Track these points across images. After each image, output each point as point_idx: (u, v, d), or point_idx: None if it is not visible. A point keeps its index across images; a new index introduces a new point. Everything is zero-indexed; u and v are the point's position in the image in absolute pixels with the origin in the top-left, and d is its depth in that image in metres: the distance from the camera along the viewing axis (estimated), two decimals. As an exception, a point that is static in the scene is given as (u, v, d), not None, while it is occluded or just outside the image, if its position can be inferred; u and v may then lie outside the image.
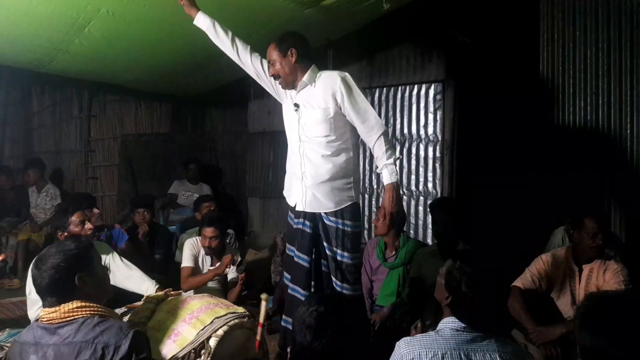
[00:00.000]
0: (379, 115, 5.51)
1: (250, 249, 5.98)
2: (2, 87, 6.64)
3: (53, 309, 1.93)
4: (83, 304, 1.94)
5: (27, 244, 5.35)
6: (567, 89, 4.36)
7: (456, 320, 1.93)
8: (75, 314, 1.92)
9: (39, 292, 1.99)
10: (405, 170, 5.41)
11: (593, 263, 2.99)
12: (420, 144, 5.31)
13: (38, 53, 4.66)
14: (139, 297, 3.16)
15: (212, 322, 2.44)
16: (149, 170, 6.95)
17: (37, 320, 2.01)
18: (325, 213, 2.92)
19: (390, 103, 5.50)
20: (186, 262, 3.90)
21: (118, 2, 3.66)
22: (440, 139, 5.17)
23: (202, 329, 2.40)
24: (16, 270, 5.22)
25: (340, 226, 2.88)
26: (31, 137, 7.34)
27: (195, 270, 3.89)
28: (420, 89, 5.29)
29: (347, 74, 2.90)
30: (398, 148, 5.43)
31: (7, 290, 4.77)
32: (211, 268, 3.87)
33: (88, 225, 3.25)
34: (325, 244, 2.93)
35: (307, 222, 2.99)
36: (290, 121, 3.05)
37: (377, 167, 2.86)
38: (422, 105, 5.29)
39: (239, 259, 3.94)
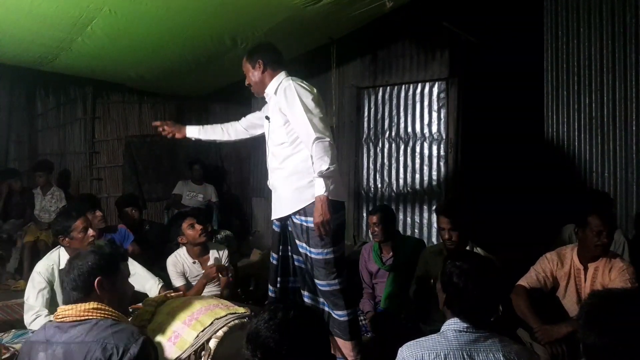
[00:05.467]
0: (383, 113, 5.53)
1: (255, 249, 5.99)
2: (6, 89, 6.66)
3: (70, 307, 1.97)
4: (99, 306, 1.98)
5: (35, 244, 5.37)
6: (571, 85, 4.34)
7: (458, 321, 1.91)
8: (90, 314, 1.95)
9: (64, 285, 2.05)
10: (409, 169, 5.40)
11: (598, 261, 2.96)
12: (425, 143, 5.29)
13: (41, 51, 4.67)
14: (143, 296, 3.18)
15: (212, 323, 2.44)
16: (153, 171, 6.98)
17: (50, 320, 2.03)
18: (293, 213, 2.96)
19: (394, 102, 5.48)
20: (176, 282, 3.81)
21: (120, 1, 3.67)
22: (444, 137, 5.14)
23: (202, 331, 2.40)
24: (22, 272, 5.23)
25: (305, 223, 2.91)
26: (36, 139, 7.36)
27: (187, 284, 3.83)
28: (424, 87, 5.27)
29: (291, 82, 2.90)
30: (402, 147, 5.42)
31: (13, 292, 4.79)
32: (203, 272, 3.81)
33: (91, 232, 3.14)
34: (296, 241, 3.00)
35: (276, 222, 3.12)
36: (265, 135, 3.18)
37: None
38: (425, 103, 5.27)
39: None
